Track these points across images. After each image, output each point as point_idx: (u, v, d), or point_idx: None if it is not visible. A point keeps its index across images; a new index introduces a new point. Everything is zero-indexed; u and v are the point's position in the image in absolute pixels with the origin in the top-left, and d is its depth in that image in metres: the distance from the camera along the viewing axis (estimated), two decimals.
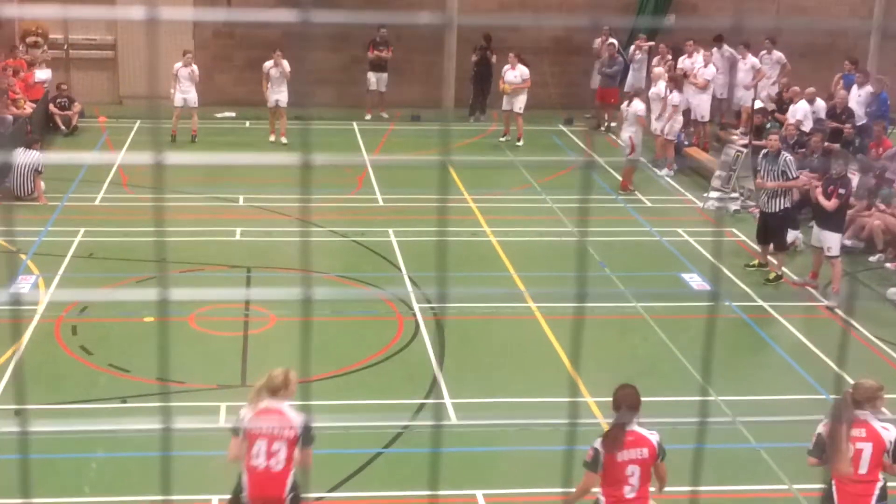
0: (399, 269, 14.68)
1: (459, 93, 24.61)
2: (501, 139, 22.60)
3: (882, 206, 16.34)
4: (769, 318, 13.65)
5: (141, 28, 23.20)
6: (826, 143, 17.55)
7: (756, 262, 15.26)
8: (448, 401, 10.88)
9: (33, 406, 10.35)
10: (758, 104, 21.00)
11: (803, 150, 17.53)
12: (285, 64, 21.54)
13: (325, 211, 16.70)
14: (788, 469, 9.67)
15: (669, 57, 22.71)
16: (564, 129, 24.03)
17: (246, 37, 24.80)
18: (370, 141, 22.39)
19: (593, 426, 9.32)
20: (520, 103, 22.15)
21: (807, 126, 19.11)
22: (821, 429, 7.77)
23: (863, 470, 7.58)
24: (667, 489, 7.58)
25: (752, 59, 22.45)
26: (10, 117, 19.34)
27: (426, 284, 13.98)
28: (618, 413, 7.42)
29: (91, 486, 9.22)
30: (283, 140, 21.55)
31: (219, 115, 23.63)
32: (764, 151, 15.15)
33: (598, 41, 24.27)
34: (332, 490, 9.21)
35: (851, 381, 7.96)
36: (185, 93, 21.30)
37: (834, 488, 7.61)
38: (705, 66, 21.74)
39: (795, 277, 14.89)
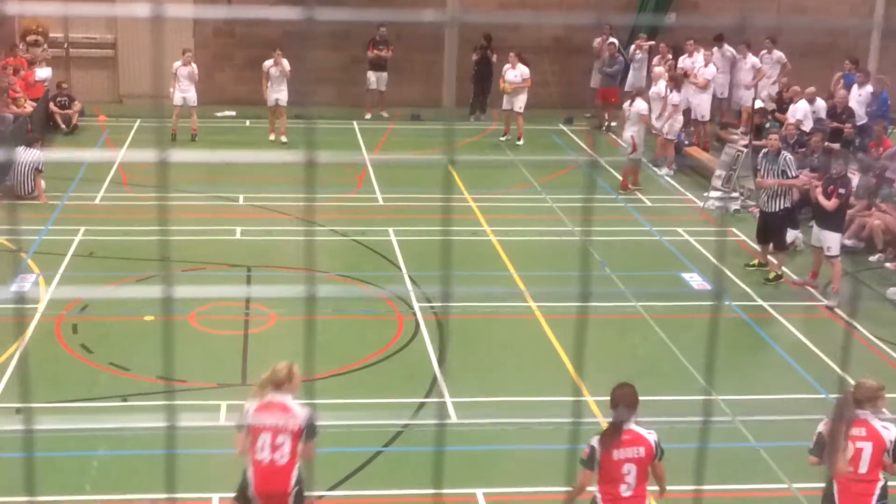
0: (399, 269, 14.69)
1: (460, 92, 24.62)
2: (502, 138, 22.61)
3: (882, 206, 16.35)
4: (769, 317, 13.66)
5: (141, 27, 23.21)
6: (826, 143, 17.55)
7: (756, 261, 15.27)
8: (448, 400, 10.89)
9: (34, 404, 10.36)
10: (758, 104, 21.01)
11: (803, 149, 17.53)
12: (285, 63, 21.55)
13: (325, 210, 16.71)
14: (788, 468, 9.68)
15: (670, 56, 22.71)
16: (565, 128, 24.02)
17: (246, 35, 24.80)
18: (370, 140, 22.39)
19: (593, 426, 9.32)
20: (520, 103, 22.15)
21: (807, 126, 19.11)
22: (821, 428, 7.78)
23: (863, 469, 7.58)
24: (666, 488, 7.59)
25: (752, 59, 22.45)
26: (10, 116, 19.34)
27: (426, 283, 13.99)
28: (615, 411, 7.42)
29: (92, 485, 9.22)
30: (283, 139, 21.55)
31: (219, 114, 23.62)
32: (764, 151, 15.16)
33: (598, 40, 24.25)
34: (332, 488, 9.22)
35: (851, 381, 7.97)
36: (185, 92, 21.28)
37: (835, 488, 7.63)
38: (706, 65, 21.74)
39: (795, 277, 14.90)
